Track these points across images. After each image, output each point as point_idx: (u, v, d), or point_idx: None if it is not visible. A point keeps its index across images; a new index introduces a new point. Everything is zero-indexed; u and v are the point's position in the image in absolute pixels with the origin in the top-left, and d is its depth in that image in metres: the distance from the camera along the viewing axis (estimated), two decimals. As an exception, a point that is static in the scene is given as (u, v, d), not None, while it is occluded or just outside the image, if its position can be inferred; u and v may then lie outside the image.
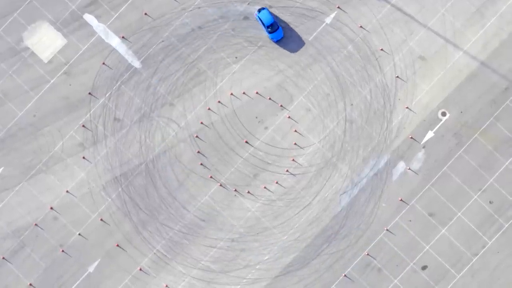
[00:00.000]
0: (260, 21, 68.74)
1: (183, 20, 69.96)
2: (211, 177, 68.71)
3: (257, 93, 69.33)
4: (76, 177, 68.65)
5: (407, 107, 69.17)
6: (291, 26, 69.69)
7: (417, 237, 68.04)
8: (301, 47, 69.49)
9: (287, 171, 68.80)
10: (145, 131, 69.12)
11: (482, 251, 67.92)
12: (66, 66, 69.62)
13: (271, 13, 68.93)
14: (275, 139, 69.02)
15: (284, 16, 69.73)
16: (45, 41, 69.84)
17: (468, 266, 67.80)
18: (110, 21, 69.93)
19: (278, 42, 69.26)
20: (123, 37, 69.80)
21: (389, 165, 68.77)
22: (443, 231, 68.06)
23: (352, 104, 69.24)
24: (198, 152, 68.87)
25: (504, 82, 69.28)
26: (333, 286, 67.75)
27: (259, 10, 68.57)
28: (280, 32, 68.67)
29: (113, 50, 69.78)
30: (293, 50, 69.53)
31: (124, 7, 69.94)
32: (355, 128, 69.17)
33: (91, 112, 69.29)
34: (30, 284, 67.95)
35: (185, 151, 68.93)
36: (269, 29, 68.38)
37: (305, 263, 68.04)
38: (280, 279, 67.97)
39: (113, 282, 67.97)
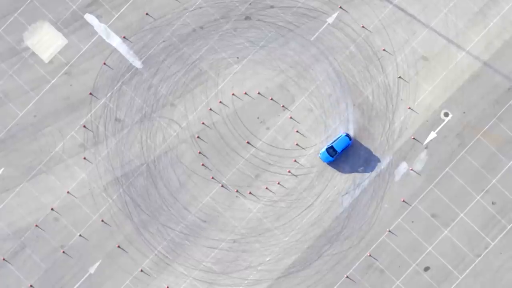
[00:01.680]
0: (335, 138, 67.42)
1: (185, 20, 69.72)
2: (212, 178, 68.52)
3: (258, 93, 69.10)
4: (77, 177, 68.46)
5: (409, 108, 68.96)
6: (293, 26, 69.47)
7: (419, 238, 67.86)
8: (303, 47, 69.26)
9: (289, 171, 68.60)
10: (146, 131, 68.92)
11: (484, 252, 67.74)
12: (67, 66, 69.41)
13: (347, 145, 67.02)
14: (277, 140, 68.80)
15: (286, 16, 69.50)
16: (46, 41, 69.62)
17: (470, 267, 67.62)
18: (111, 21, 69.71)
19: (325, 162, 67.98)
20: (124, 37, 69.59)
21: (392, 166, 68.56)
22: (446, 232, 67.87)
23: (354, 105, 69.00)
24: (200, 152, 68.67)
25: (507, 82, 69.07)
26: (335, 287, 67.57)
27: (346, 134, 67.22)
28: (330, 159, 67.14)
29: (114, 50, 69.57)
30: (295, 50, 69.30)
31: (125, 7, 69.72)
32: (357, 129, 68.95)
33: (92, 112, 69.09)
34: (31, 285, 67.79)
35: (187, 151, 68.73)
36: (329, 150, 66.96)
37: (307, 264, 67.86)
38: (282, 281, 67.79)
39: (114, 283, 67.81)
